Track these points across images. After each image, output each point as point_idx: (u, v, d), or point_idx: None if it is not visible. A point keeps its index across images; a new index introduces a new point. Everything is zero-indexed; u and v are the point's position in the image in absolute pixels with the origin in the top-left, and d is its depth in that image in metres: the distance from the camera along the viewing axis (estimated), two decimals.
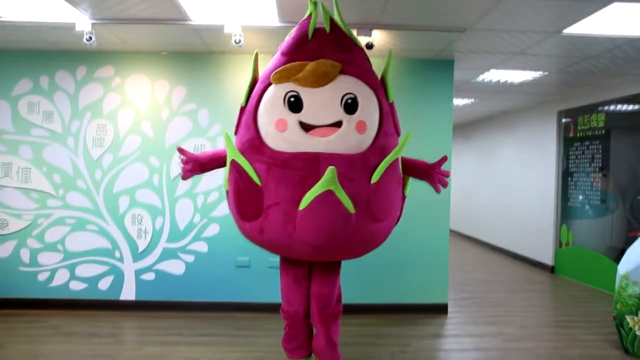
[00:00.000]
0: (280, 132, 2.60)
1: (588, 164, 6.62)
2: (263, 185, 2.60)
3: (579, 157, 6.84)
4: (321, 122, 2.60)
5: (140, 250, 4.91)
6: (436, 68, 5.01)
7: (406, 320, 4.77)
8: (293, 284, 3.09)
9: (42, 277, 4.90)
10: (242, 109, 2.85)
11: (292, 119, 2.59)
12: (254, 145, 2.67)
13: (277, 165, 2.58)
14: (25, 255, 4.88)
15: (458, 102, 7.55)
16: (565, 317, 5.12)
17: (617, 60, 4.80)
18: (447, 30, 4.00)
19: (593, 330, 4.56)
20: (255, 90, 2.80)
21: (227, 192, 2.86)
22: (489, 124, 9.83)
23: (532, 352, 4.01)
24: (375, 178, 2.59)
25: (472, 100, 7.41)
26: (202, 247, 4.93)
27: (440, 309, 5.04)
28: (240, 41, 3.96)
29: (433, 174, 2.98)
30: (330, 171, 2.40)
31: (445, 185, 3.01)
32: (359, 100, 2.64)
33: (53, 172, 4.88)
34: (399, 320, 4.76)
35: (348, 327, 4.49)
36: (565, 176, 7.13)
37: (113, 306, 4.90)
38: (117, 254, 4.91)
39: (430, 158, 4.99)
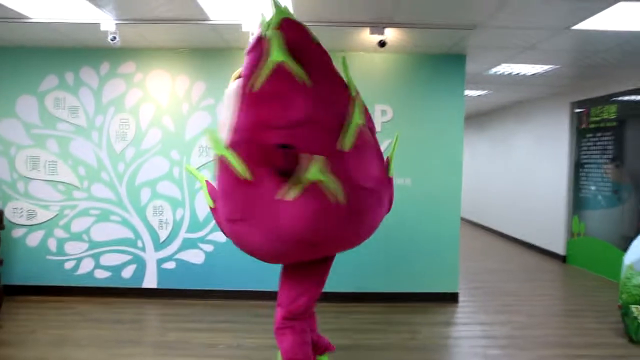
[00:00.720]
0: None
1: (600, 155, 6.68)
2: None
3: (591, 148, 6.89)
4: None
5: (161, 240, 5.12)
6: (448, 62, 5.10)
7: (417, 309, 4.93)
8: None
9: (68, 265, 5.13)
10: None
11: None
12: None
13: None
14: (52, 244, 5.12)
15: (472, 92, 7.62)
16: (573, 306, 5.25)
17: (626, 53, 4.85)
18: (458, 27, 4.10)
19: (600, 319, 4.68)
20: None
21: None
22: (503, 114, 9.87)
23: (539, 340, 4.15)
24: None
25: (486, 91, 7.47)
26: (220, 237, 5.11)
27: (451, 298, 5.19)
28: None
29: None
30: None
31: None
32: (224, 101, 2.93)
33: (78, 165, 5.09)
34: (410, 309, 4.93)
35: (360, 314, 4.68)
36: (578, 167, 7.19)
37: (136, 293, 5.12)
38: (139, 244, 5.13)
39: (442, 148, 5.16)
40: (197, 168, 5.05)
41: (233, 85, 2.82)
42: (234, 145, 2.58)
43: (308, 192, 2.43)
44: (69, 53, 5.04)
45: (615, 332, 4.31)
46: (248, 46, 2.79)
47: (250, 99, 2.61)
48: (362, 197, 2.64)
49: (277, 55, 2.53)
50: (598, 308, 5.04)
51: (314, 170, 2.41)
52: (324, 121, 2.63)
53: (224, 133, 2.66)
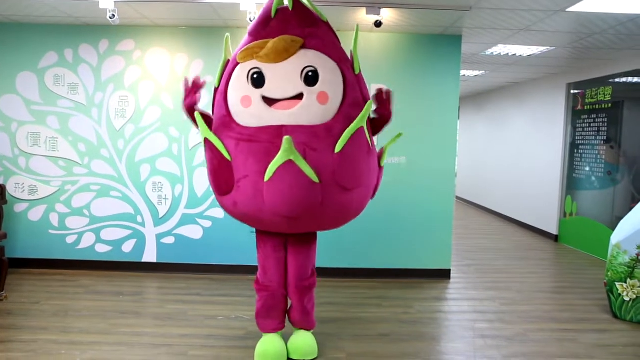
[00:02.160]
0: (245, 108, 2.77)
1: (594, 137, 6.76)
2: (233, 159, 2.78)
3: (586, 129, 6.97)
4: (283, 96, 2.74)
5: (160, 215, 5.23)
6: (444, 43, 5.15)
7: (411, 285, 5.08)
8: (270, 254, 3.21)
9: (70, 239, 5.26)
10: (216, 90, 3.02)
11: (256, 94, 2.74)
12: (224, 122, 2.87)
13: (244, 140, 2.75)
14: (54, 219, 5.23)
15: (469, 73, 7.66)
16: (561, 283, 5.41)
17: (621, 36, 4.90)
18: (453, 8, 4.14)
19: (586, 296, 4.83)
20: (227, 70, 2.96)
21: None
22: (500, 94, 9.91)
23: (524, 314, 4.29)
24: (339, 147, 2.69)
25: (482, 72, 7.51)
26: (218, 213, 5.22)
27: (444, 274, 5.33)
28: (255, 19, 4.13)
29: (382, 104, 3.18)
30: (286, 141, 2.53)
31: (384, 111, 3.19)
32: (320, 72, 2.74)
33: (78, 142, 5.17)
34: (404, 285, 5.07)
35: (355, 289, 4.82)
36: (572, 148, 7.28)
37: (136, 267, 5.26)
38: (139, 219, 5.24)
39: (437, 128, 5.24)
40: (195, 146, 5.14)
41: (316, 57, 2.80)
42: (353, 119, 2.78)
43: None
44: (68, 30, 5.07)
45: (601, 309, 4.45)
46: (252, 26, 2.89)
47: (352, 78, 2.90)
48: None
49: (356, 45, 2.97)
50: (585, 285, 5.19)
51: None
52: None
53: (322, 102, 2.75)
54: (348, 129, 2.71)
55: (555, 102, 7.63)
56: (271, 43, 2.71)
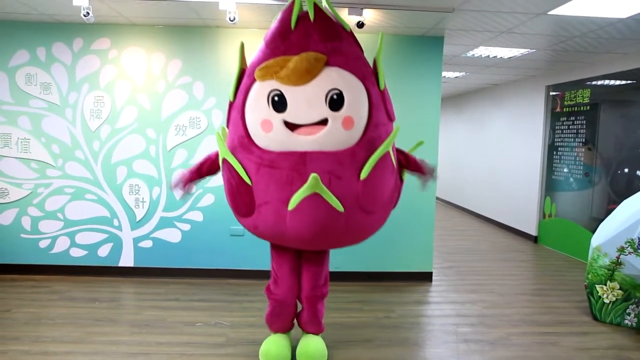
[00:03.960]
0: (266, 133, 2.59)
1: (573, 139, 6.82)
2: (254, 184, 2.65)
3: (564, 131, 7.03)
4: (306, 121, 2.56)
5: (137, 219, 5.10)
6: (426, 44, 5.12)
7: (392, 288, 5.04)
8: (284, 264, 3.19)
9: (43, 244, 5.09)
10: (231, 104, 2.83)
11: (277, 118, 2.56)
12: (242, 143, 2.69)
13: (265, 165, 2.60)
14: (26, 223, 5.06)
15: (449, 74, 7.67)
16: (542, 285, 5.43)
17: (601, 40, 4.94)
18: (436, 10, 4.11)
19: (566, 298, 4.85)
20: (242, 85, 2.76)
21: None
22: (480, 96, 9.97)
23: (506, 318, 4.29)
24: (364, 174, 2.58)
25: (463, 73, 7.53)
26: (197, 216, 5.12)
27: (426, 277, 5.31)
28: (234, 18, 4.05)
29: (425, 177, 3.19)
30: (313, 178, 2.43)
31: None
32: (345, 95, 2.56)
33: (52, 143, 5.01)
34: (385, 288, 5.03)
35: (336, 293, 4.74)
36: (551, 150, 7.34)
37: (112, 272, 5.12)
38: (115, 222, 5.10)
39: (418, 131, 5.22)
40: (173, 147, 5.03)
41: (341, 77, 2.61)
42: (377, 141, 2.67)
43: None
44: (41, 28, 4.91)
45: (581, 311, 4.47)
46: (269, 35, 2.73)
47: (377, 96, 2.77)
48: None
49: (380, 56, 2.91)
50: (565, 287, 5.22)
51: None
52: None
53: (347, 127, 2.60)
54: (373, 156, 2.59)
55: (534, 104, 7.69)
56: (292, 63, 2.52)
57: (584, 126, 6.61)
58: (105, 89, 4.98)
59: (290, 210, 2.56)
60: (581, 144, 6.67)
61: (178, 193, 3.17)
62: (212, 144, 4.91)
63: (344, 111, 2.56)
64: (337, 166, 2.56)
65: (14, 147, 5.00)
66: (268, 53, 2.66)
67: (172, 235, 5.14)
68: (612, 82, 6.19)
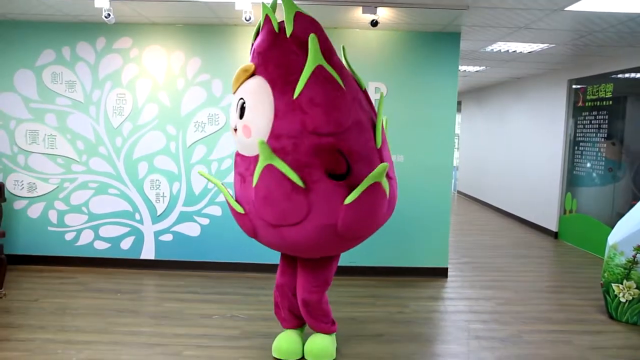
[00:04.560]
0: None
1: (595, 133, 6.72)
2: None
3: (587, 126, 6.92)
4: (232, 126, 2.99)
5: (158, 213, 5.25)
6: (442, 40, 5.11)
7: (406, 283, 5.08)
8: (282, 264, 3.44)
9: (69, 236, 5.29)
10: None
11: (234, 124, 2.98)
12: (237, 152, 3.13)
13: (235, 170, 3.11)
14: (53, 216, 5.26)
15: (469, 68, 7.61)
16: (558, 282, 5.40)
17: (623, 34, 4.86)
18: (450, 7, 4.11)
19: (582, 295, 4.82)
20: None
21: None
22: (501, 89, 9.86)
23: (519, 315, 4.29)
24: (254, 181, 2.77)
25: (483, 67, 7.47)
26: (216, 210, 5.24)
27: (441, 273, 5.33)
28: (250, 18, 4.12)
29: None
30: (260, 143, 2.65)
31: None
32: (246, 104, 2.79)
33: (76, 139, 5.19)
34: (399, 283, 5.07)
35: (350, 287, 4.82)
36: (573, 144, 7.24)
37: (134, 264, 5.29)
38: (137, 217, 5.26)
39: (435, 125, 5.21)
40: (193, 143, 5.15)
41: (252, 85, 2.80)
42: (279, 152, 2.70)
43: (366, 193, 2.70)
44: (65, 28, 5.07)
45: (596, 309, 4.45)
46: (257, 43, 2.91)
47: (288, 105, 2.68)
48: (393, 187, 3.03)
49: (316, 59, 2.66)
50: (583, 285, 5.18)
51: (379, 172, 2.67)
52: (361, 120, 2.85)
53: (246, 135, 2.83)
54: (258, 166, 2.76)
55: (556, 98, 7.58)
56: (237, 72, 2.93)
57: (607, 121, 6.51)
58: (127, 86, 5.12)
59: (254, 188, 2.81)
60: (603, 138, 6.57)
61: None
62: (231, 140, 5.02)
63: (244, 120, 2.82)
64: (246, 171, 2.90)
65: (41, 143, 5.19)
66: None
67: (191, 229, 5.27)
68: (638, 75, 6.07)
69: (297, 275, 3.30)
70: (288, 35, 2.75)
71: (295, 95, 2.66)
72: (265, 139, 2.71)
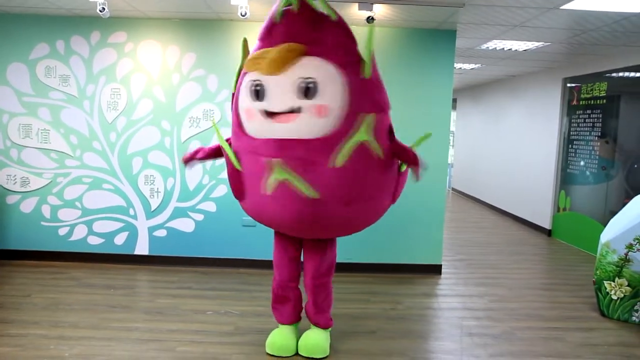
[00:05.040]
0: (250, 121, 2.80)
1: (589, 132, 6.75)
2: (243, 169, 2.92)
3: (580, 124, 6.95)
4: (281, 109, 2.67)
5: (152, 208, 5.24)
6: (438, 38, 5.11)
7: (401, 280, 5.10)
8: (282, 252, 3.35)
9: (62, 231, 5.26)
10: (233, 95, 3.02)
11: (257, 107, 2.72)
12: (236, 131, 2.95)
13: (250, 152, 2.84)
14: (46, 211, 5.23)
15: (465, 66, 7.62)
16: (551, 279, 5.43)
17: (617, 33, 4.87)
18: (446, 5, 4.11)
19: (575, 293, 4.85)
20: (240, 77, 2.94)
21: None
22: (497, 87, 9.88)
23: (513, 312, 4.32)
24: (339, 161, 2.67)
25: (478, 65, 7.48)
26: (210, 206, 5.23)
27: (435, 270, 5.35)
28: (246, 13, 4.11)
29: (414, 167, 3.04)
30: (275, 164, 2.65)
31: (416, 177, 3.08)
32: (319, 83, 2.63)
33: (70, 134, 5.16)
34: (394, 280, 5.09)
35: (344, 284, 4.82)
36: (567, 142, 7.27)
37: (128, 260, 5.27)
38: (131, 212, 5.25)
39: (430, 122, 5.21)
40: (187, 139, 5.13)
41: (317, 66, 2.66)
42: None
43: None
44: (60, 21, 5.03)
45: (589, 307, 4.48)
46: (260, 30, 2.84)
47: (359, 84, 2.74)
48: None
49: (371, 43, 2.78)
50: (575, 282, 5.21)
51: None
52: None
53: (322, 115, 2.66)
54: (347, 145, 2.67)
55: (551, 96, 7.61)
56: (270, 53, 2.64)
57: (601, 119, 6.54)
58: (122, 81, 5.10)
59: (269, 195, 2.76)
60: (597, 137, 6.60)
61: (189, 163, 3.52)
62: (225, 136, 4.99)
63: (317, 99, 2.64)
64: (312, 153, 2.68)
65: (34, 137, 5.16)
66: (258, 46, 2.83)
67: (185, 225, 5.26)
68: (632, 74, 6.09)
69: (303, 264, 3.35)
70: (335, 19, 2.76)
71: (367, 75, 2.75)
72: (341, 116, 2.68)
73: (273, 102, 2.69)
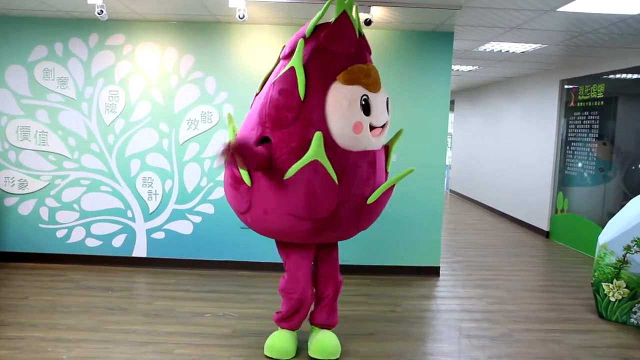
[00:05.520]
0: (356, 134, 2.86)
1: (587, 133, 6.76)
2: (339, 183, 2.88)
3: (578, 126, 6.97)
4: (379, 124, 2.96)
5: (150, 210, 5.23)
6: (435, 40, 5.12)
7: (399, 282, 5.10)
8: (305, 261, 3.28)
9: (60, 234, 5.26)
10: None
11: (366, 121, 2.88)
12: (326, 144, 2.79)
13: (351, 164, 2.91)
14: (44, 213, 5.23)
15: (462, 68, 7.64)
16: (549, 281, 5.44)
17: (614, 35, 4.89)
18: (443, 7, 4.12)
19: (573, 295, 4.86)
20: (312, 84, 2.85)
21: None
22: (495, 88, 9.89)
23: (511, 314, 4.32)
24: (372, 199, 3.03)
25: (476, 67, 7.49)
26: (208, 208, 5.23)
27: (433, 272, 5.35)
28: (244, 16, 4.11)
29: None
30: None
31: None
32: (388, 102, 3.06)
33: (68, 136, 5.15)
34: (392, 282, 5.09)
35: (343, 286, 4.79)
36: (565, 144, 7.28)
37: (126, 262, 5.27)
38: (129, 214, 5.24)
39: (428, 124, 5.22)
40: (185, 141, 5.13)
41: (346, 92, 2.83)
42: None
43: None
44: (58, 23, 5.03)
45: (587, 308, 4.48)
46: (334, 38, 2.90)
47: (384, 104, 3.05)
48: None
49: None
50: (572, 284, 5.22)
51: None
52: None
53: (380, 135, 3.04)
54: (385, 183, 3.12)
55: (548, 98, 7.62)
56: (372, 72, 2.92)
57: (598, 121, 6.55)
58: (120, 83, 5.10)
59: (370, 204, 3.05)
60: (595, 139, 6.61)
61: (221, 160, 2.78)
62: (224, 138, 5.00)
63: (387, 117, 3.05)
64: (366, 164, 2.99)
65: (32, 139, 5.16)
66: (340, 56, 2.90)
67: (183, 227, 5.26)
68: (629, 76, 6.11)
69: (319, 270, 3.44)
70: (359, 36, 3.04)
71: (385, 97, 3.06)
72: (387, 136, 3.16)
73: (377, 117, 2.94)
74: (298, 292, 3.26)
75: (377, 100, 2.90)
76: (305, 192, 2.83)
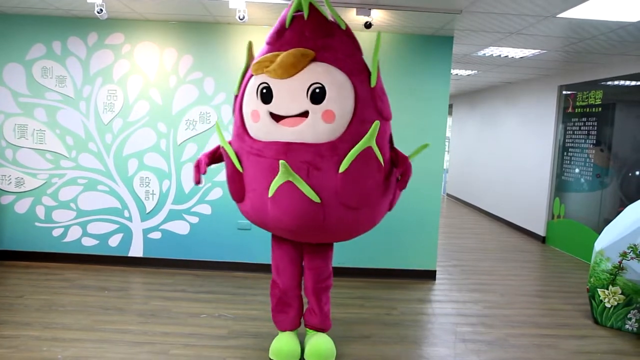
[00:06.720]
0: (254, 123, 2.80)
1: (584, 140, 6.78)
2: (244, 171, 2.88)
3: (576, 132, 6.99)
4: (288, 112, 2.69)
5: (147, 210, 5.22)
6: (435, 44, 5.13)
7: (395, 285, 5.10)
8: (284, 257, 3.31)
9: (56, 232, 5.24)
10: (236, 97, 3.02)
11: (263, 109, 2.73)
12: (239, 133, 2.93)
13: (253, 154, 2.81)
14: (40, 212, 5.21)
15: (462, 72, 7.65)
16: (545, 286, 5.44)
17: (613, 42, 4.90)
18: (444, 11, 4.12)
19: (569, 300, 4.86)
20: (245, 79, 2.96)
21: None
22: (493, 93, 9.91)
23: (506, 319, 4.32)
24: (343, 167, 2.65)
25: (475, 71, 7.51)
26: (206, 209, 5.22)
27: (429, 275, 5.35)
28: (244, 17, 4.11)
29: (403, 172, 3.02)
30: (282, 165, 2.58)
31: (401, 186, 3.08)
32: (327, 89, 2.65)
33: (66, 135, 5.14)
34: (388, 285, 5.09)
35: (338, 289, 4.80)
36: (562, 150, 7.30)
37: (122, 262, 5.26)
38: (126, 214, 5.23)
39: (426, 128, 5.22)
40: (183, 141, 5.12)
41: (326, 71, 2.68)
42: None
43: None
44: (57, 22, 5.02)
45: (582, 314, 4.49)
46: (269, 34, 2.88)
47: (365, 93, 2.79)
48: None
49: (377, 52, 2.86)
50: (568, 289, 5.23)
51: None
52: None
53: (328, 120, 2.67)
54: (353, 149, 2.65)
55: (546, 103, 7.64)
56: (280, 57, 2.65)
57: (596, 127, 6.57)
58: (118, 83, 5.09)
59: (270, 198, 2.73)
60: (592, 145, 6.63)
61: (196, 177, 3.16)
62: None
63: (324, 104, 2.65)
64: (317, 158, 2.68)
65: (29, 138, 5.14)
66: (266, 50, 2.86)
67: (180, 228, 5.25)
68: (627, 82, 6.13)
69: (305, 270, 3.36)
70: (344, 28, 2.88)
71: (372, 84, 2.81)
72: (347, 122, 2.72)
73: (280, 106, 2.71)
74: (280, 283, 3.35)
75: (282, 87, 2.67)
76: (226, 176, 3.06)
